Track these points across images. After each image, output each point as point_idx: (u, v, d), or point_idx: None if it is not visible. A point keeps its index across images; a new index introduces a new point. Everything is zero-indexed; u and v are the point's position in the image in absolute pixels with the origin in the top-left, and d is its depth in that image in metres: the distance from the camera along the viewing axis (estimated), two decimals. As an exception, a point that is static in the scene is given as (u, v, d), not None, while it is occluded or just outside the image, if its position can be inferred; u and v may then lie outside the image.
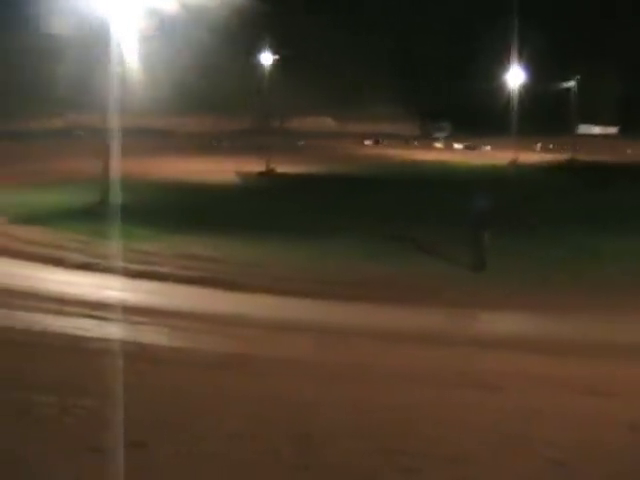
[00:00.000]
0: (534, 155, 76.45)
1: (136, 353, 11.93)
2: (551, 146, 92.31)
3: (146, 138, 77.49)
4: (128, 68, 40.28)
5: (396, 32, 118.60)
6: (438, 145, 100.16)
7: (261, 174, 57.11)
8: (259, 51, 70.18)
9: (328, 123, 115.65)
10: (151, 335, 13.78)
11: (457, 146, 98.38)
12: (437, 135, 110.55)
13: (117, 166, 35.15)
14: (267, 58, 69.16)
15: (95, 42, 37.74)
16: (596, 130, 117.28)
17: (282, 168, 57.94)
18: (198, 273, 21.76)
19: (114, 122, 35.91)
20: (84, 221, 30.56)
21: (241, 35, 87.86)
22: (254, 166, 57.58)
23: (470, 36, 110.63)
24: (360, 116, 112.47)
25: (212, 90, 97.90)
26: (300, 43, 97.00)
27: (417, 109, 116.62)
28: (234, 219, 31.85)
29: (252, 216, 33.23)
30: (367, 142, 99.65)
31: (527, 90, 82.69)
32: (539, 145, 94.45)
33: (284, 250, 25.50)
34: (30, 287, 18.64)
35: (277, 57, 69.41)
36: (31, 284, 19.16)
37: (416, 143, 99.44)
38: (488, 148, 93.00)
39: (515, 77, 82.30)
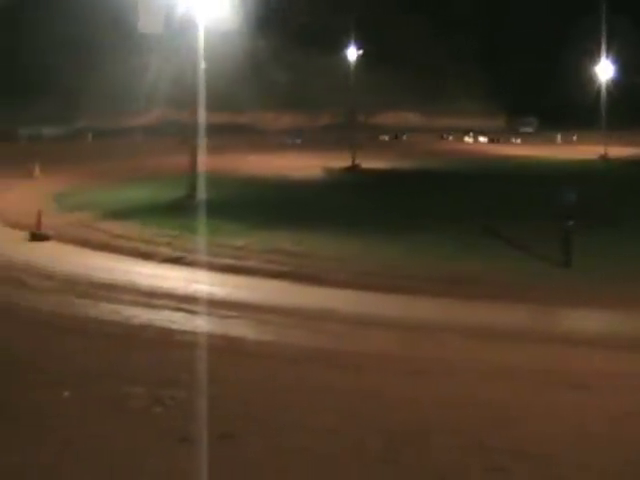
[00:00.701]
0: (624, 149, 74.68)
1: (224, 346, 12.08)
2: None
3: (234, 134, 78.32)
4: (214, 65, 40.70)
5: (483, 26, 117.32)
6: (468, 139, 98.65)
7: (346, 169, 57.09)
8: (345, 47, 70.14)
9: (414, 118, 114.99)
10: (239, 328, 13.92)
11: (482, 139, 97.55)
12: (523, 129, 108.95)
13: (204, 162, 35.59)
14: (352, 53, 69.09)
15: (182, 40, 38.24)
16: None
17: (367, 163, 57.81)
18: (285, 267, 21.85)
19: (201, 118, 36.34)
20: (172, 216, 30.99)
21: (327, 30, 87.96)
22: (340, 161, 57.60)
23: (558, 30, 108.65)
24: (445, 111, 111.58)
25: (298, 86, 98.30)
26: (385, 38, 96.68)
27: (504, 104, 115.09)
28: (320, 214, 31.85)
29: (337, 211, 33.19)
30: (482, 139, 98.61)
31: (616, 84, 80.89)
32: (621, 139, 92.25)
33: (370, 245, 25.41)
34: (121, 281, 19.00)
35: (362, 52, 69.21)
36: (122, 278, 19.54)
37: (484, 139, 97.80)
38: (574, 138, 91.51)
39: (604, 71, 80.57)
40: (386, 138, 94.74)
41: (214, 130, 58.21)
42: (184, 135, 37.96)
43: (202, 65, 35.18)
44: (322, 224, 28.78)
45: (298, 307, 16.58)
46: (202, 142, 36.09)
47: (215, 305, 16.01)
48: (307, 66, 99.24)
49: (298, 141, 75.63)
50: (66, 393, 8.67)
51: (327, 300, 17.95)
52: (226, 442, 7.64)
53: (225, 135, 70.86)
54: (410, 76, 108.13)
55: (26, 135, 65.47)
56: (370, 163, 57.75)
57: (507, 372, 11.26)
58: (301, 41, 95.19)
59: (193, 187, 34.39)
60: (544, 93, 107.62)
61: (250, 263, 22.59)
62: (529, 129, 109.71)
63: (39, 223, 26.39)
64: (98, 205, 34.57)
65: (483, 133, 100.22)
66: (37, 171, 44.67)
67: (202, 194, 32.81)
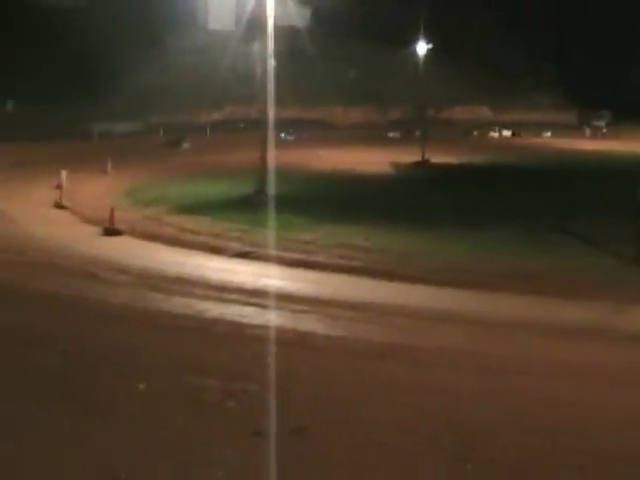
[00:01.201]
0: None
1: (295, 341, 12.11)
2: None
3: (303, 129, 78.50)
4: (283, 61, 40.87)
5: (555, 19, 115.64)
6: (493, 134, 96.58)
7: (416, 164, 56.83)
8: (414, 41, 69.81)
9: (484, 112, 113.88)
10: (309, 323, 13.94)
11: (506, 133, 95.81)
12: (596, 124, 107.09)
13: (275, 157, 35.72)
14: (422, 48, 68.71)
15: (252, 36, 38.47)
16: None
17: (437, 158, 57.47)
18: (354, 262, 21.84)
19: (271, 114, 36.49)
20: (242, 211, 31.21)
21: (396, 24, 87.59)
22: (409, 156, 57.35)
23: (632, 24, 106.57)
24: (516, 105, 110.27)
25: (368, 81, 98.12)
26: (455, 32, 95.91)
27: (576, 98, 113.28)
28: (389, 209, 31.78)
29: (407, 207, 33.08)
30: (506, 133, 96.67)
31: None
32: None
33: (440, 241, 25.25)
34: (193, 275, 19.19)
35: (431, 46, 68.79)
36: (193, 272, 19.73)
37: (549, 134, 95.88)
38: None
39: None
40: (475, 133, 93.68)
41: (284, 125, 58.56)
42: (257, 131, 38.09)
43: (271, 61, 35.32)
44: (391, 219, 28.70)
45: (368, 302, 16.54)
46: (273, 138, 36.26)
47: (285, 299, 16.07)
48: (377, 61, 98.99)
49: (291, 138, 69.12)
50: (141, 386, 8.78)
51: (397, 295, 17.89)
52: (299, 436, 7.65)
53: (300, 131, 71.24)
54: (480, 70, 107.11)
55: (99, 132, 66.47)
56: (439, 158, 57.38)
57: (580, 370, 11.10)
58: (371, 36, 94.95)
59: (263, 182, 34.55)
60: (618, 87, 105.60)
61: (319, 258, 22.62)
62: (602, 123, 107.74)
63: (112, 218, 26.82)
64: (169, 200, 34.99)
65: (506, 127, 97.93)
66: (109, 167, 45.38)
67: (272, 189, 32.95)
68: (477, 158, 59.99)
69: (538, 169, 52.19)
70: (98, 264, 19.88)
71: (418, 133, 70.40)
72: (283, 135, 61.65)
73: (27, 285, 16.02)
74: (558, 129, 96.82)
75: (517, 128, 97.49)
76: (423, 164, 57.29)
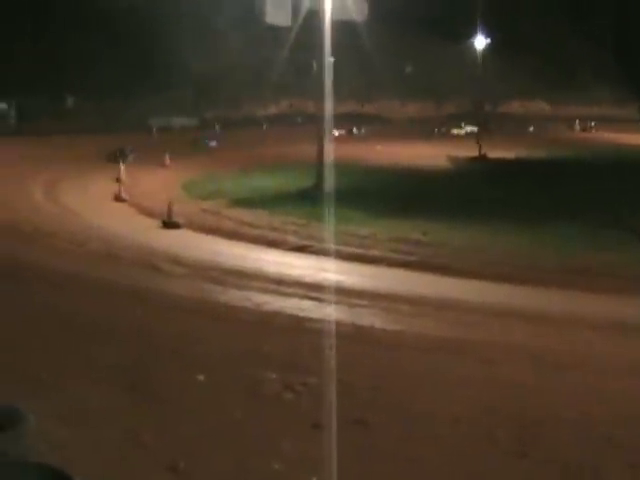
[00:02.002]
0: None
1: (353, 334, 12.10)
2: None
3: (360, 123, 78.40)
4: (339, 55, 40.82)
5: (615, 14, 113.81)
6: (456, 131, 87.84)
7: (473, 159, 56.46)
8: (471, 34, 69.35)
9: (542, 107, 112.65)
10: (367, 317, 13.91)
11: (469, 129, 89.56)
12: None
13: (332, 151, 35.72)
14: (480, 42, 68.19)
15: (309, 31, 38.48)
16: None
17: (494, 153, 56.99)
18: (411, 257, 21.76)
19: (328, 108, 36.51)
20: (300, 204, 31.28)
21: (453, 18, 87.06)
22: (466, 151, 56.98)
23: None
24: (574, 99, 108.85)
25: (424, 75, 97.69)
26: (512, 26, 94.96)
27: (636, 91, 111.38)
28: (446, 204, 31.60)
29: (464, 201, 32.86)
30: (469, 129, 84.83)
31: None
32: None
33: (497, 235, 25.04)
34: (250, 268, 19.27)
35: (489, 41, 68.23)
36: (251, 265, 19.81)
37: (578, 127, 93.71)
38: None
39: None
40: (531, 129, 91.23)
41: (341, 119, 58.55)
42: (314, 125, 38.15)
43: (328, 55, 35.32)
44: (449, 214, 28.54)
45: (425, 296, 16.47)
46: (330, 131, 36.25)
47: (343, 293, 16.06)
48: (434, 55, 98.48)
49: (213, 144, 58.86)
50: (200, 377, 8.83)
51: (455, 290, 17.78)
52: (358, 429, 7.64)
53: (352, 124, 71.15)
54: (538, 64, 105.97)
55: (157, 126, 67.11)
56: (497, 152, 56.90)
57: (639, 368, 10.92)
58: (428, 29, 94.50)
59: (320, 176, 34.59)
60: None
61: (376, 252, 22.58)
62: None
63: (170, 211, 27.05)
64: (226, 193, 35.21)
65: (472, 123, 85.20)
66: (167, 161, 45.80)
67: (329, 183, 32.95)
68: (535, 153, 59.34)
69: (597, 164, 51.41)
70: (157, 256, 20.06)
71: (362, 131, 68.19)
72: (207, 141, 54.42)
73: (88, 275, 16.24)
74: (618, 123, 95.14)
75: (583, 123, 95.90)
76: (480, 159, 56.91)
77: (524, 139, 69.67)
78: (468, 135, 75.36)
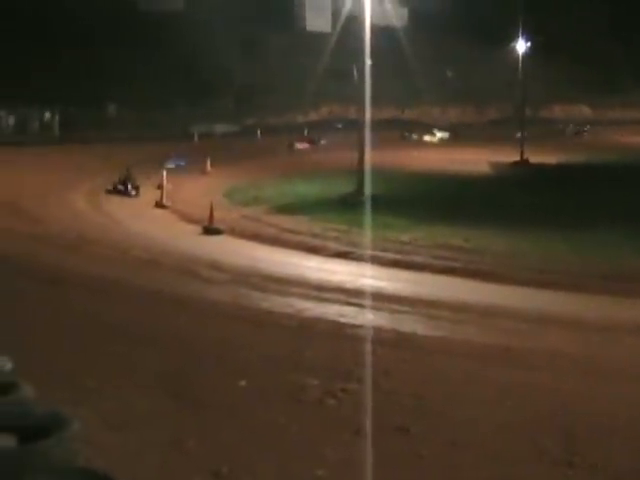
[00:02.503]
0: None
1: (394, 341, 12.07)
2: None
3: (399, 130, 78.21)
4: (379, 61, 40.81)
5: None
6: (429, 138, 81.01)
7: (515, 164, 56.06)
8: (512, 39, 68.95)
9: (583, 111, 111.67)
10: (409, 323, 13.87)
11: (440, 135, 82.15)
12: None
13: (372, 157, 35.70)
14: (521, 46, 67.78)
15: (349, 37, 38.59)
16: None
17: (536, 158, 56.56)
18: (453, 263, 21.63)
19: (368, 114, 36.51)
20: (340, 211, 31.28)
21: (493, 22, 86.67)
22: (507, 156, 56.61)
23: None
24: (616, 103, 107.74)
25: (465, 80, 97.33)
26: (554, 29, 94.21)
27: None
28: (488, 210, 31.38)
29: (506, 207, 32.63)
30: (440, 135, 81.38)
31: None
32: None
33: (539, 242, 24.82)
34: (291, 274, 19.30)
35: (530, 44, 67.78)
36: (292, 271, 19.85)
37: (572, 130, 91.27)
38: None
39: None
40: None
41: (380, 126, 58.54)
42: (355, 131, 38.16)
43: (368, 61, 35.35)
44: (491, 220, 28.34)
45: (469, 303, 16.36)
46: (371, 138, 36.21)
47: (384, 300, 16.01)
48: (474, 60, 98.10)
49: (182, 164, 48.33)
50: (242, 382, 8.86)
51: (498, 296, 17.65)
52: (401, 436, 7.62)
53: (391, 130, 70.99)
54: (580, 68, 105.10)
55: (198, 133, 67.55)
56: (539, 157, 56.47)
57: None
58: (468, 34, 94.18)
59: (361, 182, 34.57)
60: None
61: (418, 258, 22.49)
62: None
63: (211, 217, 27.17)
64: (267, 200, 35.31)
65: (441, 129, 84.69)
66: (208, 167, 46.04)
67: (369, 189, 32.93)
68: (577, 158, 58.79)
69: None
70: (198, 262, 20.16)
71: (323, 142, 66.06)
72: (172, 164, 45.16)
73: (130, 282, 16.35)
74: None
75: (576, 127, 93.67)
76: (522, 164, 56.48)
77: (566, 144, 69.09)
78: (443, 142, 73.37)
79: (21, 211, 28.59)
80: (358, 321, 13.52)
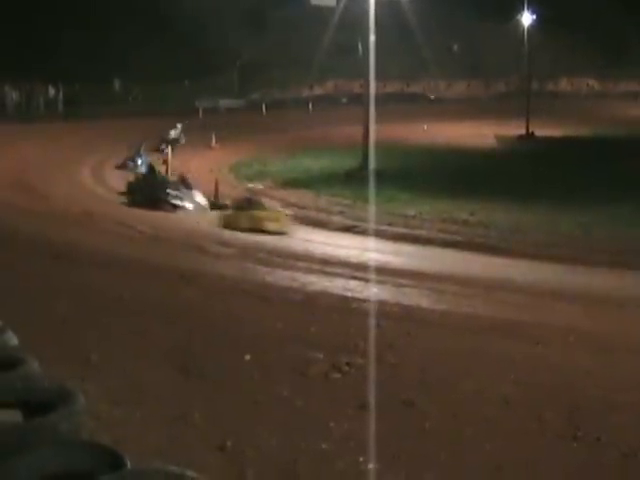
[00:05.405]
0: None
1: (399, 314, 12.08)
2: None
3: (405, 103, 77.87)
4: (385, 34, 40.62)
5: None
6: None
7: (520, 138, 55.83)
8: (519, 12, 68.49)
9: (591, 84, 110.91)
10: (414, 297, 13.86)
11: None
12: None
13: (377, 131, 35.61)
14: (526, 18, 67.37)
15: (354, 10, 38.35)
16: None
17: (542, 131, 56.30)
18: (459, 237, 21.66)
19: (372, 88, 36.39)
20: (345, 185, 31.29)
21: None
22: (513, 129, 56.37)
23: None
24: (625, 76, 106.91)
25: (471, 53, 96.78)
26: (560, 2, 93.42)
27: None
28: (493, 184, 31.34)
29: (512, 181, 32.57)
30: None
31: None
32: None
33: (547, 216, 24.78)
34: (296, 248, 19.32)
35: (535, 17, 67.38)
36: (297, 245, 19.87)
37: None
38: None
39: None
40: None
41: (386, 99, 58.27)
42: (359, 106, 38.00)
43: (372, 36, 35.21)
44: (497, 194, 28.34)
45: (474, 276, 16.37)
46: (375, 112, 36.10)
47: (389, 273, 16.02)
48: (480, 33, 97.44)
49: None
50: (247, 357, 8.87)
51: (504, 270, 17.67)
52: (406, 410, 7.64)
53: (397, 104, 70.66)
54: (586, 40, 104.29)
55: (203, 108, 67.26)
56: (545, 131, 56.22)
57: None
58: (474, 7, 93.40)
59: (366, 157, 34.54)
60: None
61: (423, 232, 22.53)
62: None
63: (217, 192, 27.15)
64: (272, 174, 35.33)
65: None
66: (214, 142, 45.94)
67: (374, 163, 32.90)
68: (584, 131, 58.50)
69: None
70: (204, 237, 20.17)
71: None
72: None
73: (135, 257, 16.34)
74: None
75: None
76: (528, 137, 56.27)
77: (572, 117, 68.65)
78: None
79: (26, 187, 28.52)
80: (363, 295, 13.52)
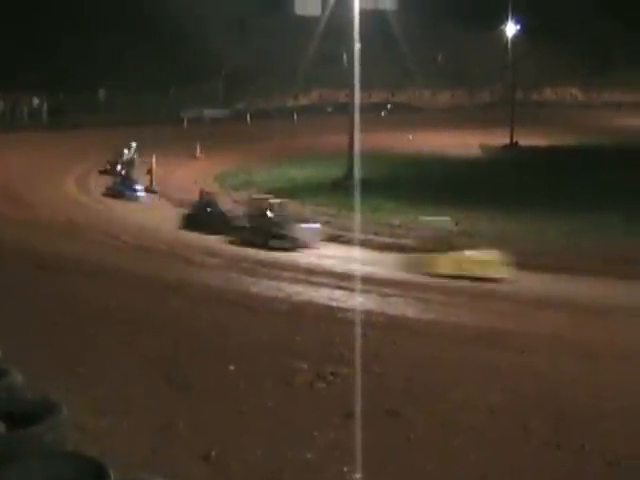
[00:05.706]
0: None
1: (385, 324, 12.08)
2: None
3: (390, 113, 77.98)
4: (369, 44, 40.66)
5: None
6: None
7: (505, 147, 56.00)
8: (503, 22, 68.83)
9: (574, 93, 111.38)
10: (399, 306, 13.88)
11: None
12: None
13: (362, 141, 35.61)
14: (510, 28, 67.70)
15: (338, 20, 38.42)
16: None
17: (526, 141, 56.48)
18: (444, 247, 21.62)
19: (357, 98, 36.40)
20: (331, 194, 31.28)
21: (484, 5, 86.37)
22: (498, 139, 56.53)
23: None
24: (609, 85, 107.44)
25: (456, 63, 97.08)
26: (545, 11, 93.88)
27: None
28: (478, 193, 31.37)
29: (496, 190, 32.60)
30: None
31: None
32: None
33: (532, 225, 24.86)
34: (282, 258, 19.30)
35: (519, 27, 67.73)
36: (283, 255, 19.83)
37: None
38: None
39: None
40: None
41: (371, 109, 58.30)
42: (345, 115, 38.00)
43: (357, 45, 35.26)
44: (482, 203, 28.37)
45: (459, 286, 16.39)
46: (360, 122, 36.11)
47: (375, 283, 16.03)
48: (465, 43, 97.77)
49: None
50: (232, 367, 8.84)
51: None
52: (391, 419, 7.62)
53: (387, 114, 70.83)
54: (569, 50, 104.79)
55: (188, 118, 67.18)
56: (530, 140, 56.40)
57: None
58: (458, 17, 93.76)
59: (351, 166, 34.54)
60: None
61: (408, 241, 22.50)
62: None
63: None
64: (257, 184, 35.25)
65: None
66: (198, 152, 45.85)
67: (360, 173, 32.90)
68: (568, 140, 58.72)
69: (633, 151, 50.61)
70: (190, 247, 20.13)
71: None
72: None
73: (120, 267, 16.26)
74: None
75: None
76: (512, 147, 56.43)
77: (556, 126, 68.86)
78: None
79: (11, 196, 28.38)
80: (348, 305, 13.51)
